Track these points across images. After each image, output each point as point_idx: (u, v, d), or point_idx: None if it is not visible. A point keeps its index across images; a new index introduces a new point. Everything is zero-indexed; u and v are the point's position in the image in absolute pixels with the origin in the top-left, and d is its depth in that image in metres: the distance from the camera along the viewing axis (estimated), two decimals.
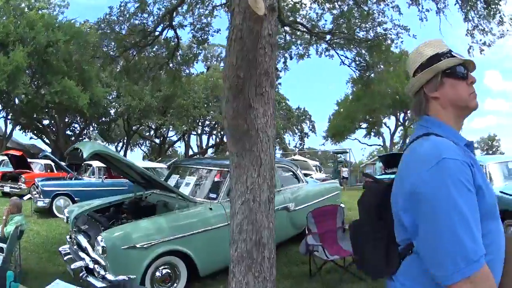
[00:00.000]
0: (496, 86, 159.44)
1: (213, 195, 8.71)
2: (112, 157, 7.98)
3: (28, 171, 22.36)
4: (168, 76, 19.33)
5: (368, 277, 6.93)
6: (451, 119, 2.24)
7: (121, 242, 6.61)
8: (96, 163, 17.58)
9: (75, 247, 7.86)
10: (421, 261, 1.99)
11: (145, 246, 6.76)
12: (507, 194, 9.67)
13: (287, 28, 17.81)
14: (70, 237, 8.54)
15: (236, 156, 5.37)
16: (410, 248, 2.12)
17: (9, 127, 38.77)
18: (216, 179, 9.80)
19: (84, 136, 49.83)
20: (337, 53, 18.08)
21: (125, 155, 48.11)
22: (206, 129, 60.33)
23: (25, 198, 15.90)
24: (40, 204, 15.76)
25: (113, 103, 42.99)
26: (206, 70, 50.95)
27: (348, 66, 18.60)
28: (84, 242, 7.55)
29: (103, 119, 46.70)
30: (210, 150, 60.50)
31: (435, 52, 2.31)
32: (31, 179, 20.78)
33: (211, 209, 8.09)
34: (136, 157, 66.44)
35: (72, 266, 7.04)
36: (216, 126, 57.33)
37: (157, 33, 16.70)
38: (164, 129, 55.53)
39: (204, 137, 63.06)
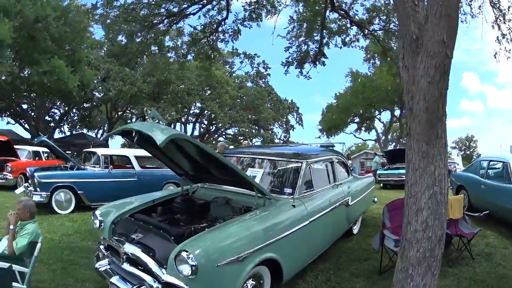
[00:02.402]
0: (474, 88, 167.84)
1: (288, 190, 7.63)
2: (191, 143, 6.08)
3: (13, 158, 20.38)
4: (202, 53, 18.55)
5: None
6: None
7: (216, 257, 5.17)
8: (101, 151, 15.82)
9: (124, 264, 5.89)
10: None
11: (240, 258, 5.43)
12: None
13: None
14: (107, 249, 6.60)
15: (425, 144, 5.05)
16: None
17: None
18: (287, 171, 8.42)
19: (63, 123, 47.91)
20: (379, 42, 19.09)
21: (106, 143, 46.11)
22: (190, 118, 58.26)
23: (17, 191, 14.13)
24: (36, 198, 13.29)
25: (99, 87, 40.80)
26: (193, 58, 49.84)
27: (392, 60, 20.42)
28: (144, 258, 5.60)
29: (84, 104, 44.89)
30: None
31: None
32: (18, 168, 19.34)
33: (294, 206, 7.14)
34: (115, 145, 64.17)
35: None
36: (202, 115, 55.63)
37: (204, 1, 15.81)
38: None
39: (189, 127, 61.33)
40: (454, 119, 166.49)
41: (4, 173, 18.82)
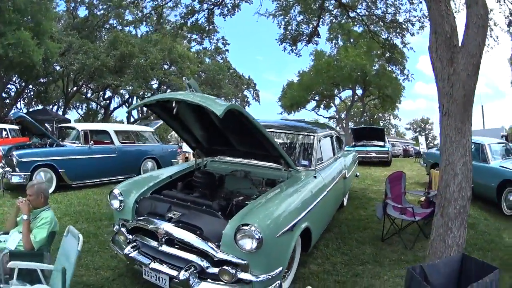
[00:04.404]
0: (429, 71, 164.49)
1: (304, 162, 8.28)
2: (247, 117, 5.97)
3: None
4: (197, 26, 19.18)
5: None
6: None
7: (275, 228, 5.42)
8: (81, 126, 15.37)
9: (163, 246, 5.62)
10: None
11: (291, 228, 5.78)
12: (504, 167, 12.74)
13: None
14: (131, 231, 6.25)
15: (460, 122, 6.19)
16: None
17: None
18: (300, 144, 8.87)
19: (20, 99, 46.75)
20: (367, 27, 19.89)
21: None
22: (147, 93, 57.18)
23: None
24: (16, 180, 12.74)
25: (60, 61, 39.48)
26: (154, 31, 49.36)
27: (379, 43, 21.18)
28: (192, 237, 5.44)
29: (41, 79, 43.36)
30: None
31: None
32: None
33: (315, 177, 7.74)
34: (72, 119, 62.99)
35: (182, 277, 5.13)
36: (160, 90, 54.88)
37: None
38: (109, 91, 54.18)
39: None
40: (409, 100, 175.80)
41: None
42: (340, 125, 59.86)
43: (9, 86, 43.86)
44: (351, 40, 43.87)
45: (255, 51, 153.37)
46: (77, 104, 64.14)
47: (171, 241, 5.60)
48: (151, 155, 16.86)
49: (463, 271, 5.21)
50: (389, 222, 9.28)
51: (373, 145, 29.14)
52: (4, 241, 5.63)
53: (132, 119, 55.55)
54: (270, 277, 5.20)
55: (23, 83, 43.54)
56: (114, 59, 40.72)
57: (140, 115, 58.04)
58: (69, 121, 41.19)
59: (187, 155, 22.18)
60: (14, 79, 43.18)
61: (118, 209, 6.61)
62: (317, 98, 62.33)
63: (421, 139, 51.66)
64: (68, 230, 5.24)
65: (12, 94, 44.96)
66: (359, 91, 59.81)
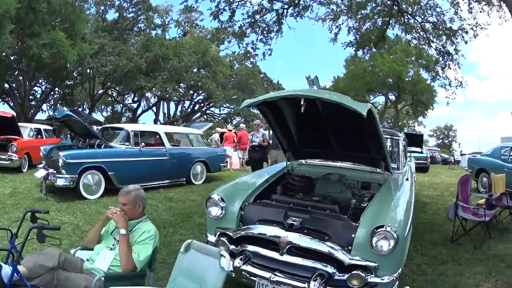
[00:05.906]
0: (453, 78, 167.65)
1: (393, 165, 8.18)
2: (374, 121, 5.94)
3: (16, 137, 18.68)
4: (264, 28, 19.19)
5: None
6: None
7: (404, 229, 5.39)
8: (131, 127, 14.88)
9: (283, 256, 5.25)
10: None
11: (409, 228, 5.87)
12: None
13: None
14: (236, 241, 5.78)
15: None
16: None
17: None
18: (388, 147, 8.61)
19: (47, 101, 46.62)
20: (427, 36, 20.11)
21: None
22: (174, 97, 56.97)
23: (38, 174, 12.97)
24: (61, 182, 12.12)
25: (92, 63, 39.02)
26: (183, 35, 48.84)
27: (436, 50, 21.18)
28: (321, 245, 5.17)
29: (67, 82, 43.41)
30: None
31: None
32: (24, 147, 18.10)
33: (407, 179, 7.94)
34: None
35: (313, 287, 4.86)
36: (187, 94, 54.59)
37: None
38: (135, 95, 55.04)
39: (172, 105, 61.55)
40: (441, 107, 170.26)
41: (9, 153, 17.21)
42: None
43: (35, 88, 43.88)
44: (385, 46, 43.92)
45: (275, 56, 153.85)
46: (102, 106, 64.92)
47: (290, 249, 5.31)
48: (201, 158, 16.48)
49: None
50: (456, 223, 9.52)
51: (411, 151, 28.37)
52: (87, 259, 4.92)
53: (158, 123, 55.40)
54: (394, 278, 5.13)
55: (49, 85, 43.73)
56: (147, 61, 41.15)
57: (166, 118, 58.06)
58: (101, 123, 41.75)
59: (226, 160, 21.66)
60: (40, 81, 43.49)
61: (217, 217, 6.16)
62: None
63: (455, 146, 53.83)
64: (190, 245, 4.36)
65: (38, 96, 45.22)
66: (391, 97, 60.37)
